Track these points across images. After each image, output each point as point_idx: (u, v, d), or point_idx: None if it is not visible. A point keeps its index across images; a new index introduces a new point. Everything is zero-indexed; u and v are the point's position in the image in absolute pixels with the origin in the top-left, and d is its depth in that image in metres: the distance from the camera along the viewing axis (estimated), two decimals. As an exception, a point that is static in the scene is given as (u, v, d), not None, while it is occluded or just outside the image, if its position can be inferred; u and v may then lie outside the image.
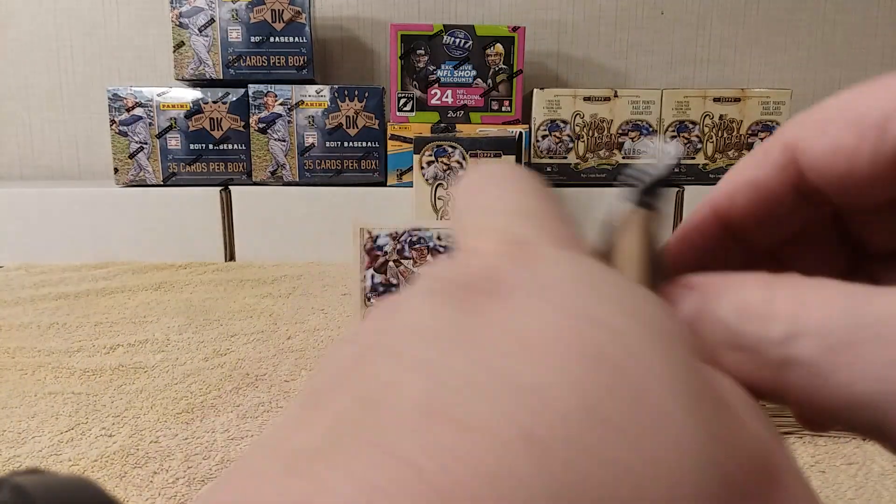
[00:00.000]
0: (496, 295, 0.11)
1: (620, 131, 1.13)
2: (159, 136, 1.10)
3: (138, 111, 1.09)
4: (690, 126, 1.13)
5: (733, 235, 0.16)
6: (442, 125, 1.12)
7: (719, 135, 1.14)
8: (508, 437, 0.09)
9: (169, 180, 1.11)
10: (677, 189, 1.13)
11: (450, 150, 0.98)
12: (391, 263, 0.56)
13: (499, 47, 1.12)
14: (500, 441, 0.09)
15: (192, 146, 1.11)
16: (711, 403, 0.10)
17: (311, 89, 1.10)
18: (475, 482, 0.08)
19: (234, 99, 1.10)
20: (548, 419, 0.09)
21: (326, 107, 1.10)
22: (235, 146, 1.11)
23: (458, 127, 1.12)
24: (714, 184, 1.14)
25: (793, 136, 0.15)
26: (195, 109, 1.10)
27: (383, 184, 1.13)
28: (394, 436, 0.09)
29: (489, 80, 1.13)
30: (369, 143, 1.11)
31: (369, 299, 0.57)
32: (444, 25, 1.12)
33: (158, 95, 1.09)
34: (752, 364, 0.12)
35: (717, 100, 1.13)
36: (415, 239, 0.55)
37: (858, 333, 0.11)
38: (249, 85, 1.10)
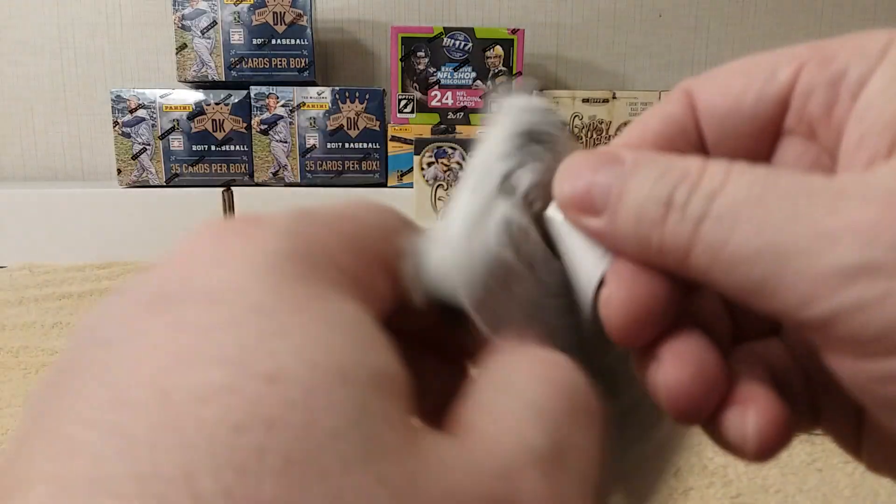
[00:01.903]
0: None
1: (619, 133, 1.13)
2: (162, 137, 1.11)
3: (141, 113, 1.10)
4: (689, 128, 1.14)
5: None
6: (442, 126, 1.13)
7: (717, 136, 1.15)
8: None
9: (172, 181, 1.12)
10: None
11: (450, 151, 0.98)
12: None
13: (498, 49, 1.13)
14: None
15: (194, 147, 1.11)
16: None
17: (313, 91, 1.11)
18: None
19: (236, 101, 1.11)
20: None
21: (328, 108, 1.11)
22: (237, 147, 1.12)
23: (458, 128, 1.13)
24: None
25: (690, 83, 0.17)
26: (197, 111, 1.11)
27: (384, 185, 1.14)
28: None
29: (489, 82, 1.14)
30: (370, 145, 1.12)
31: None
32: (444, 28, 1.12)
33: (161, 97, 1.10)
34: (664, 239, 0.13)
35: (715, 102, 1.14)
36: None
37: (763, 202, 0.12)
38: (251, 87, 1.10)
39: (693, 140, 0.17)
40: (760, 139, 0.16)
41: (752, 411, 0.14)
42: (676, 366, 0.14)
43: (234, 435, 0.09)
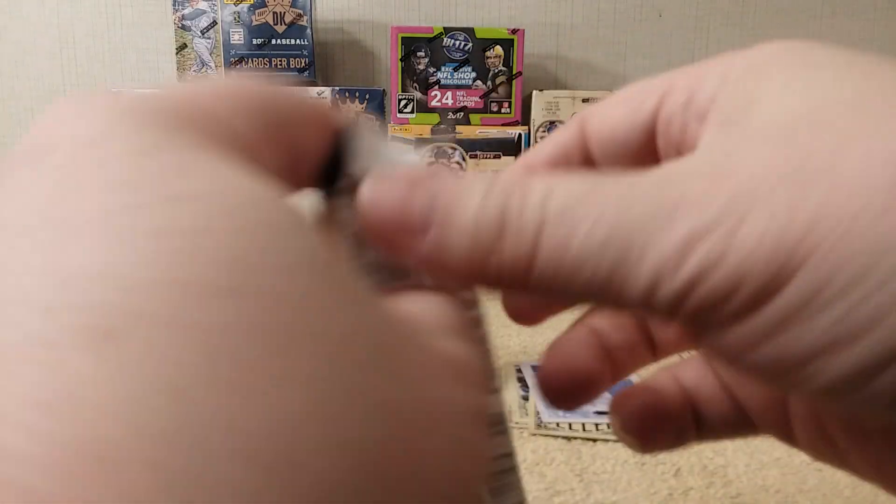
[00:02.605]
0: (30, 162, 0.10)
1: (619, 133, 1.14)
2: (161, 137, 1.11)
3: (141, 113, 1.10)
4: (689, 128, 1.14)
5: None
6: (442, 127, 1.13)
7: (717, 136, 1.14)
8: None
9: (171, 181, 1.12)
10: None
11: (450, 151, 0.98)
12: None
13: (498, 49, 1.13)
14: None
15: (194, 147, 1.12)
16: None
17: (313, 91, 1.11)
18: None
19: (236, 101, 1.11)
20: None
21: (327, 108, 1.11)
22: (237, 147, 1.12)
23: (458, 128, 1.13)
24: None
25: (585, 112, 0.19)
26: (197, 111, 1.11)
27: (384, 185, 1.14)
28: None
29: (489, 82, 1.14)
30: (370, 145, 1.12)
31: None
32: (444, 28, 1.12)
33: (161, 97, 1.10)
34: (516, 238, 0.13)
35: (715, 102, 1.14)
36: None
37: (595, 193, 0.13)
38: (251, 87, 1.10)
39: (579, 164, 0.19)
40: (643, 162, 0.18)
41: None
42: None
43: (152, 240, 0.08)
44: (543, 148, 0.19)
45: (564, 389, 0.18)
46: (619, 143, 0.18)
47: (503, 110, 1.15)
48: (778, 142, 0.12)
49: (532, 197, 0.13)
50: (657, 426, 0.19)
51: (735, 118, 0.14)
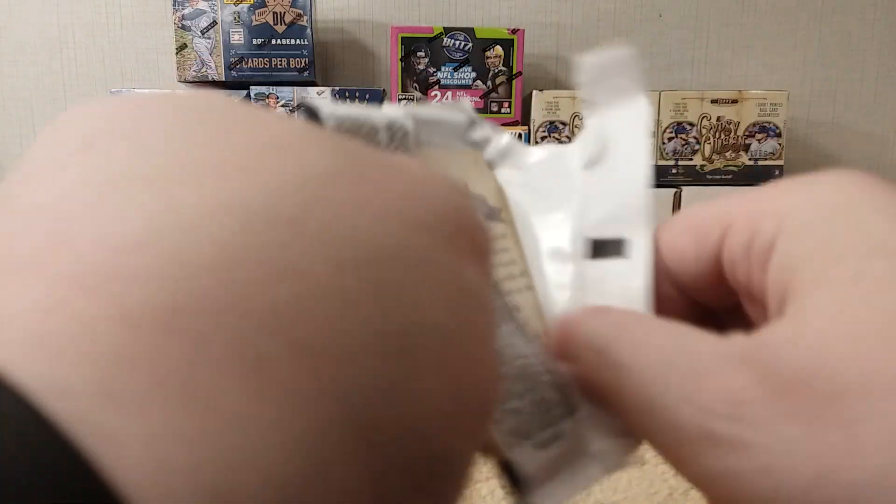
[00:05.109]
0: None
1: (619, 133, 1.13)
2: (162, 137, 1.11)
3: (141, 113, 1.10)
4: (688, 127, 1.14)
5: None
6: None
7: (717, 136, 1.15)
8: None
9: (171, 181, 1.12)
10: (675, 190, 1.14)
11: (450, 151, 0.99)
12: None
13: (498, 49, 1.13)
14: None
15: (194, 147, 1.12)
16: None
17: (313, 91, 1.11)
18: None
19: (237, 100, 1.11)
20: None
21: (327, 108, 1.11)
22: (237, 147, 1.12)
23: (459, 128, 1.13)
24: (711, 185, 1.15)
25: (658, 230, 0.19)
26: (197, 111, 1.11)
27: (384, 185, 1.14)
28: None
29: (489, 82, 1.14)
30: (370, 145, 1.12)
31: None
32: (444, 28, 1.12)
33: (161, 97, 1.10)
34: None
35: (714, 101, 1.14)
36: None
37: None
38: (251, 87, 1.10)
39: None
40: (716, 291, 0.17)
41: None
42: None
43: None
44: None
45: None
46: (690, 274, 0.17)
47: (503, 110, 1.15)
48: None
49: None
50: None
51: (796, 301, 0.14)
